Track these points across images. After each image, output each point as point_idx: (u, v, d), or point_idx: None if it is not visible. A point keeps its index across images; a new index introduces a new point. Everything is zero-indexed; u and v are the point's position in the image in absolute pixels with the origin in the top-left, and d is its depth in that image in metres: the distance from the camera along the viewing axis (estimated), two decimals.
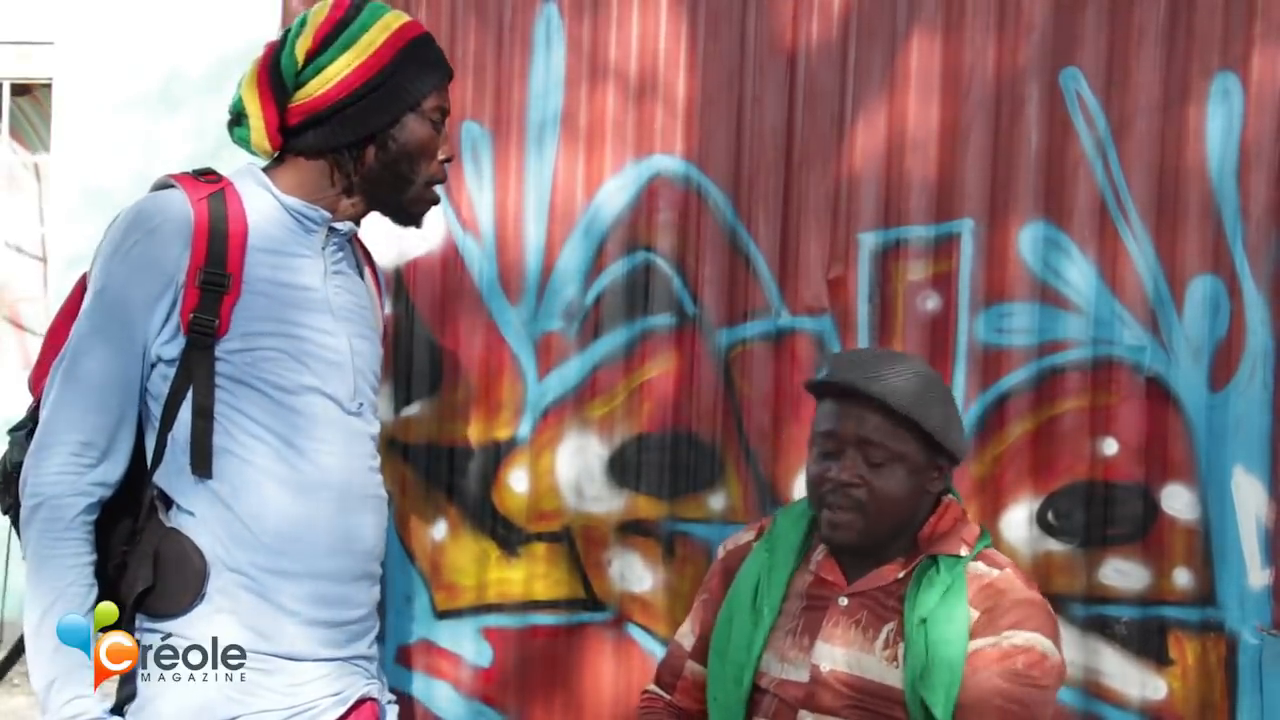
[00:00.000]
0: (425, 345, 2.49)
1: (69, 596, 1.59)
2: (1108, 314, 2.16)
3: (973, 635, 1.63)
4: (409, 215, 1.78)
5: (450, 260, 2.45)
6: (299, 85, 1.66)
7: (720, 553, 1.89)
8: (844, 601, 1.72)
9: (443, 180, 1.77)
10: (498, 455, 2.46)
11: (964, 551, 1.68)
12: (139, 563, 1.62)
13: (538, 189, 2.42)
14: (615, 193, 2.39)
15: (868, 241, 2.27)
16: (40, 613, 1.59)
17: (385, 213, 1.77)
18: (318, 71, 1.65)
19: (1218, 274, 2.12)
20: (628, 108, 2.39)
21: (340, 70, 1.65)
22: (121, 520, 1.66)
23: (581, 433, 2.41)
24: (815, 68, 2.30)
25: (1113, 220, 2.16)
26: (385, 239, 2.42)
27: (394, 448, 2.48)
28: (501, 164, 2.44)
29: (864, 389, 1.66)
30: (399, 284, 2.46)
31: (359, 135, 1.68)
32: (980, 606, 1.64)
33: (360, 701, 1.74)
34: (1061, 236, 2.18)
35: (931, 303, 2.24)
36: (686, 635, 1.89)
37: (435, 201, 1.79)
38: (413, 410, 2.49)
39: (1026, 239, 2.19)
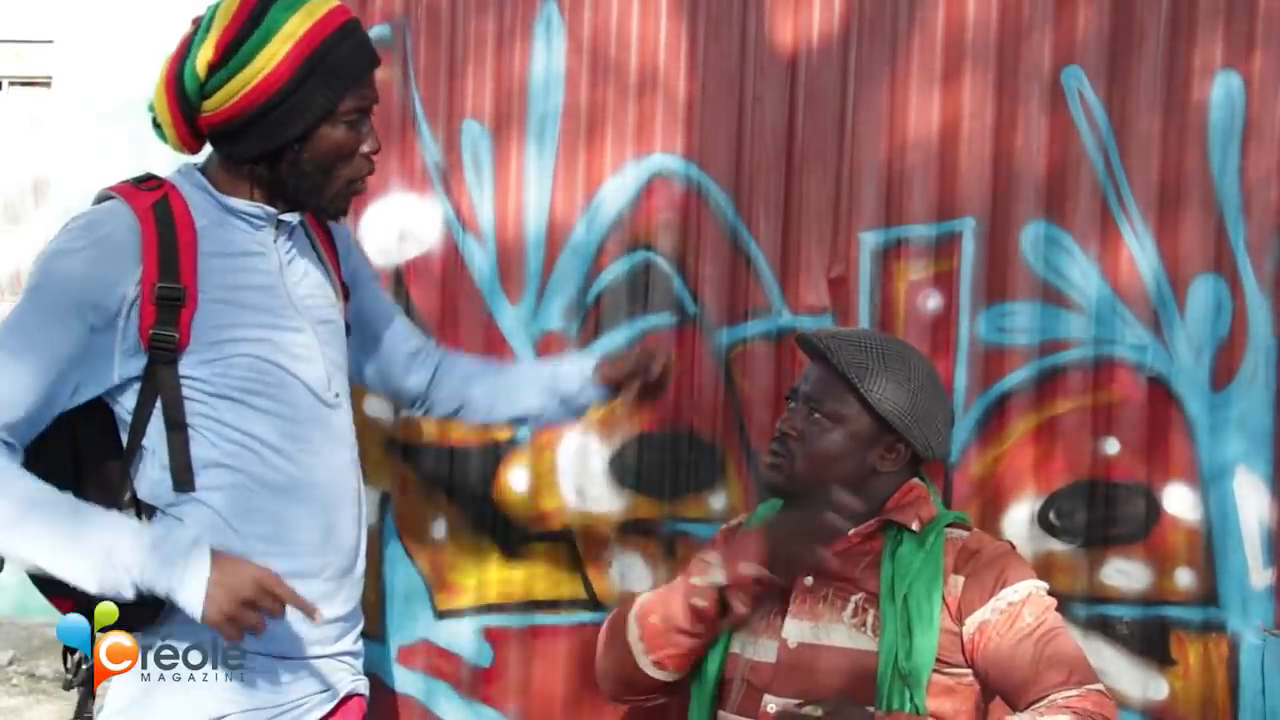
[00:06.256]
0: None
1: (44, 503, 1.53)
2: (1109, 313, 2.15)
3: (970, 606, 1.69)
4: (329, 214, 1.75)
5: (450, 260, 2.44)
6: (204, 97, 1.60)
7: (723, 527, 2.00)
8: (809, 581, 1.76)
9: (367, 174, 1.72)
10: (498, 455, 2.45)
11: (915, 526, 1.74)
12: None
13: (538, 188, 2.41)
14: (615, 192, 2.38)
15: (869, 240, 2.26)
16: (36, 543, 1.53)
17: (307, 210, 1.73)
18: (219, 86, 1.59)
19: (1220, 273, 2.11)
20: (628, 106, 2.38)
21: (241, 86, 1.58)
22: None
23: (582, 432, 2.41)
24: (815, 67, 2.29)
25: (1114, 219, 2.15)
26: (385, 238, 2.42)
27: (394, 448, 2.48)
28: (501, 163, 2.43)
29: (817, 344, 1.78)
30: (399, 284, 2.46)
31: (267, 148, 1.63)
32: (964, 571, 1.72)
33: (347, 697, 1.75)
34: (1063, 235, 2.17)
35: (933, 302, 2.24)
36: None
37: (359, 192, 1.74)
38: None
39: (1028, 238, 2.19)
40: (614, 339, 2.39)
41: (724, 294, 2.34)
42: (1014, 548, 1.82)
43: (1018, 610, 1.67)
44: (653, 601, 1.81)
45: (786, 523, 1.75)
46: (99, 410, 1.64)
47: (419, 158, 2.46)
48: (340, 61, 1.63)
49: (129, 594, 1.53)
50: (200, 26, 1.62)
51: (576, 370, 2.02)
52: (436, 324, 2.47)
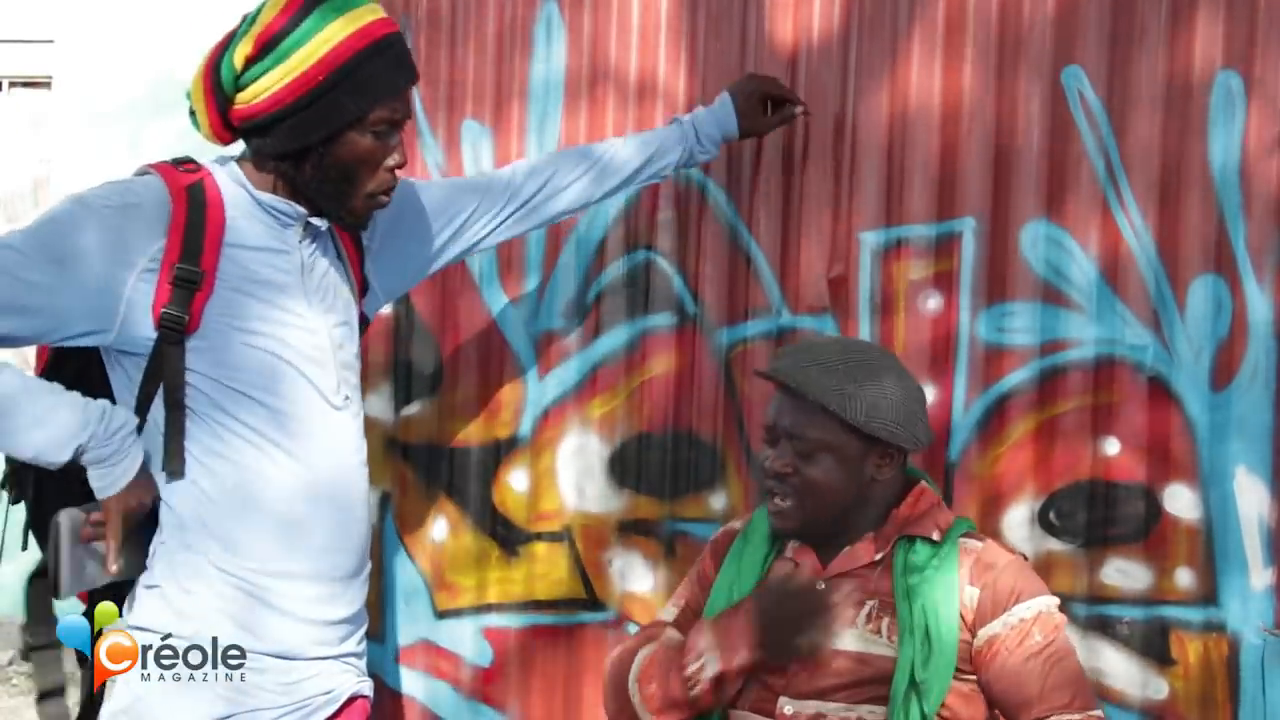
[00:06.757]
0: (425, 345, 2.48)
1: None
2: (1109, 313, 2.15)
3: (983, 618, 1.69)
4: (348, 224, 1.76)
5: None
6: (239, 89, 1.62)
7: (714, 536, 1.94)
8: (821, 586, 1.74)
9: (389, 188, 1.73)
10: (498, 455, 2.45)
11: (936, 536, 1.73)
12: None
13: None
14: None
15: (869, 240, 2.26)
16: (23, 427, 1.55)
17: (328, 218, 1.73)
18: (253, 80, 1.61)
19: (1220, 273, 2.11)
20: (628, 106, 2.39)
21: (274, 83, 1.60)
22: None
23: (582, 432, 2.41)
24: (815, 66, 2.29)
25: (1114, 219, 2.15)
26: None
27: (394, 448, 2.48)
28: (502, 163, 2.43)
29: (785, 380, 1.72)
30: None
31: (294, 147, 1.64)
32: (980, 584, 1.70)
33: (351, 699, 1.75)
34: (1063, 235, 2.17)
35: (933, 302, 2.23)
36: (669, 610, 1.92)
37: (382, 206, 1.75)
38: (413, 410, 2.49)
39: (1028, 238, 2.18)
40: (614, 339, 2.39)
41: (724, 294, 2.34)
42: (1026, 559, 1.79)
43: (1028, 628, 1.67)
44: (651, 668, 1.78)
45: (778, 605, 1.72)
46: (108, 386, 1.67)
47: (419, 157, 2.46)
48: (375, 72, 1.64)
49: (65, 456, 1.56)
50: (245, 21, 1.64)
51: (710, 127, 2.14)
52: (437, 323, 2.47)
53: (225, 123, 1.66)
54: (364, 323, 1.88)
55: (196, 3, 4.27)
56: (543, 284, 2.43)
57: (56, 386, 1.59)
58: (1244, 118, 2.09)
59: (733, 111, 2.14)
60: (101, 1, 4.39)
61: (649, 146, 2.12)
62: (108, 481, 1.59)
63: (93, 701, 1.67)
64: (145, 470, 1.63)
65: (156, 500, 1.64)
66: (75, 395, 1.59)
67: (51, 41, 4.50)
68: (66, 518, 1.59)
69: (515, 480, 2.45)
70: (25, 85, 4.75)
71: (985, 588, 1.69)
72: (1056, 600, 1.72)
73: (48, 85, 4.57)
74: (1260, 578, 2.09)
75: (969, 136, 2.21)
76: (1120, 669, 2.14)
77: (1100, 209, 2.15)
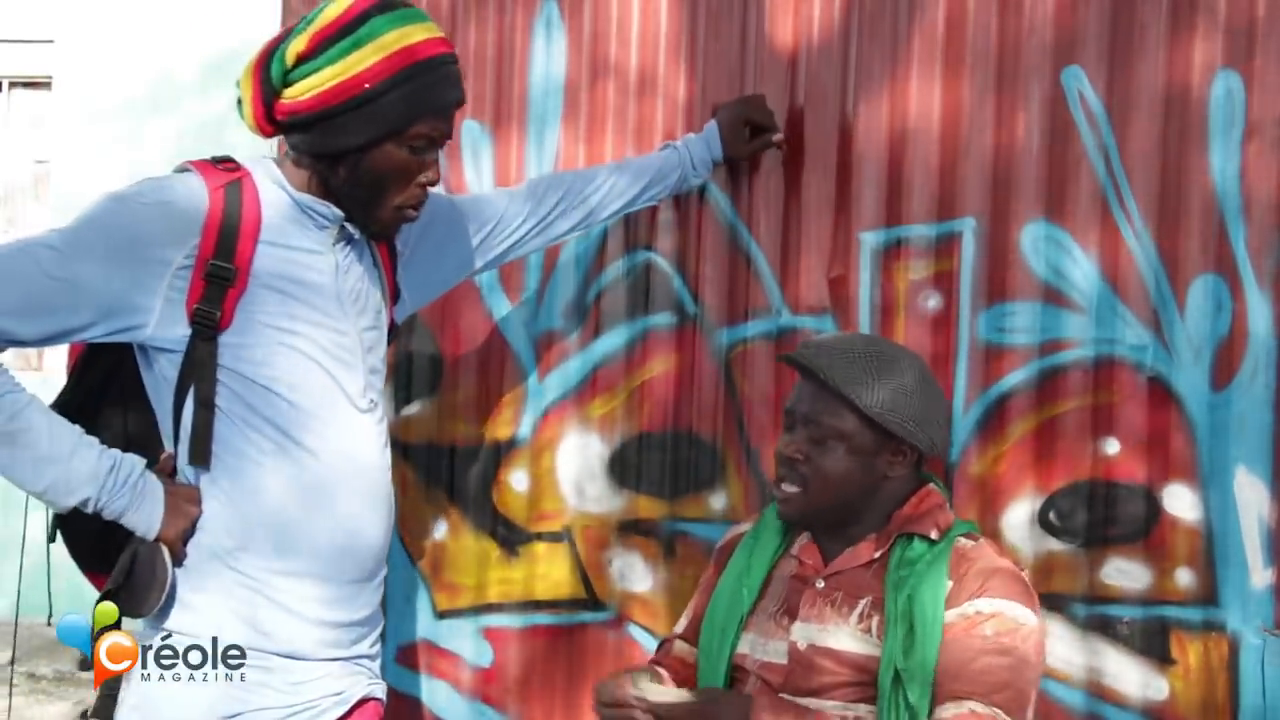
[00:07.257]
0: (425, 345, 2.48)
1: (17, 395, 1.55)
2: (1109, 313, 2.15)
3: (946, 607, 1.67)
4: (374, 233, 1.76)
5: None
6: (286, 84, 1.63)
7: (720, 542, 1.95)
8: (820, 584, 1.76)
9: (418, 203, 1.73)
10: (498, 455, 2.45)
11: (934, 535, 1.72)
12: (120, 560, 1.64)
13: None
14: None
15: (869, 240, 2.26)
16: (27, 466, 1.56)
17: (355, 225, 1.74)
18: (302, 77, 1.62)
19: (1220, 273, 2.11)
20: (628, 106, 2.39)
21: (321, 83, 1.61)
22: None
23: (582, 432, 2.41)
24: (815, 67, 2.29)
25: (1114, 219, 2.15)
26: None
27: (394, 448, 2.46)
28: (502, 162, 2.44)
29: (806, 364, 1.73)
30: None
31: (331, 149, 1.66)
32: (953, 576, 1.69)
33: (362, 701, 1.75)
34: (1063, 235, 2.17)
35: (933, 302, 2.23)
36: (681, 620, 1.95)
37: (410, 220, 1.76)
38: (413, 410, 2.49)
39: (1028, 238, 2.18)
40: (614, 339, 2.39)
41: (724, 294, 2.34)
42: (1019, 568, 1.74)
43: (982, 620, 1.64)
44: None
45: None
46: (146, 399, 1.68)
47: None
48: (422, 88, 1.65)
49: (72, 501, 1.58)
50: (304, 19, 1.66)
51: (699, 153, 2.24)
52: (437, 323, 2.47)
53: (269, 116, 1.67)
54: (393, 329, 1.89)
55: (195, 4, 4.27)
56: (543, 284, 2.44)
57: (78, 430, 1.60)
58: (1244, 118, 2.09)
59: (718, 136, 2.24)
60: (101, 2, 4.40)
61: (647, 172, 2.19)
62: (144, 526, 1.61)
63: (110, 697, 1.68)
64: (174, 480, 1.66)
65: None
66: (93, 441, 1.60)
67: (51, 41, 4.51)
68: (163, 549, 1.62)
69: (515, 480, 2.45)
70: (25, 85, 4.76)
71: (956, 580, 1.68)
72: (1030, 614, 1.66)
73: (48, 85, 4.58)
74: (1260, 578, 2.09)
75: (969, 136, 2.21)
76: (1120, 669, 2.14)
77: (1100, 209, 2.15)
